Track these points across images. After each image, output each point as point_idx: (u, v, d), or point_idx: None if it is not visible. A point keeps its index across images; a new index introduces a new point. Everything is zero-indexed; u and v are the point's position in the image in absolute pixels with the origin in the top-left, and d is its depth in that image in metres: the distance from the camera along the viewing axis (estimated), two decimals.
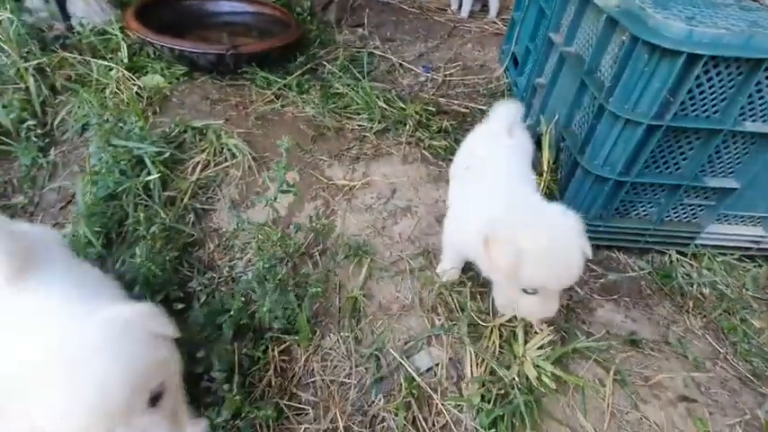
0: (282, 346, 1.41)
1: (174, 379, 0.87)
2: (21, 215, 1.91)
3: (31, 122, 2.05)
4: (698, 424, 1.30)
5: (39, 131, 2.06)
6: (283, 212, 1.88)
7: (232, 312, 1.37)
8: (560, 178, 1.89)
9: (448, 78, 2.81)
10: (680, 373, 1.43)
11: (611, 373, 1.39)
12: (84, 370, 0.72)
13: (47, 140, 2.07)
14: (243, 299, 1.42)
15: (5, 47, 2.23)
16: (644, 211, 1.79)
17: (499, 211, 1.23)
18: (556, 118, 1.92)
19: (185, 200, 1.85)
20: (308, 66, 2.63)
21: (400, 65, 2.89)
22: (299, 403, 1.32)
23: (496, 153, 1.54)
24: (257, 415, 1.22)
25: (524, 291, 1.21)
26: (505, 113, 1.63)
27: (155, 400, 0.78)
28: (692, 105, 1.47)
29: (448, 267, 1.60)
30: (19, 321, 0.82)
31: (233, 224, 1.80)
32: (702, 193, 1.71)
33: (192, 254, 1.72)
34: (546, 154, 1.88)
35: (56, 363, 0.72)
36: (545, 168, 1.86)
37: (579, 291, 1.66)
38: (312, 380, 1.38)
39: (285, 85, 2.45)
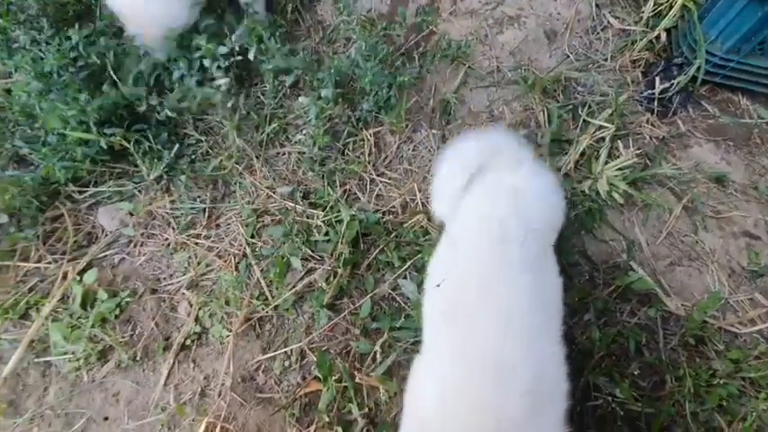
0: (378, 128, 1.60)
1: None
2: None
3: None
4: (752, 256, 1.39)
5: None
6: (386, 9, 1.85)
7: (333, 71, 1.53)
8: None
9: None
10: (755, 215, 1.46)
11: (684, 200, 1.45)
12: None
13: None
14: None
15: None
16: None
17: None
18: None
19: None
20: None
21: None
22: (388, 178, 1.56)
23: None
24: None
25: None
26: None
27: None
28: None
29: None
30: None
31: (336, 18, 1.83)
32: None
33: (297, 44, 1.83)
34: None
35: None
36: None
37: (681, 126, 1.60)
38: (400, 166, 1.60)
39: None
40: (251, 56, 1.55)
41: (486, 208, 0.95)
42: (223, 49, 1.51)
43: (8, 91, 1.62)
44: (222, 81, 1.51)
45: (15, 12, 1.69)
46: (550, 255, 0.96)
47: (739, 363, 1.20)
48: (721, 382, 1.16)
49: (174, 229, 1.46)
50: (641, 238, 1.44)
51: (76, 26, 1.57)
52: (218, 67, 1.51)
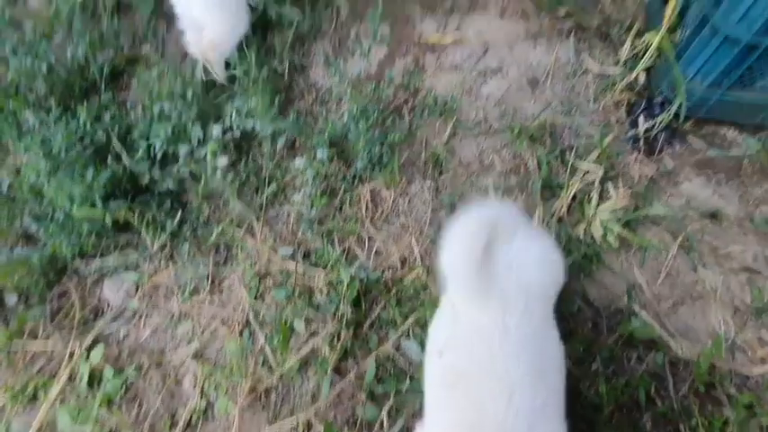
0: (373, 184, 1.64)
1: None
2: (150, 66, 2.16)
3: None
4: (755, 292, 1.39)
5: None
6: (374, 69, 1.94)
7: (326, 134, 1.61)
8: (682, 38, 1.67)
9: None
10: (753, 248, 1.46)
11: (680, 238, 1.46)
12: None
13: None
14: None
15: None
16: None
17: None
18: None
19: (284, 51, 1.96)
20: None
21: None
22: (386, 233, 1.59)
23: None
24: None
25: None
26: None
27: None
28: None
29: None
30: None
31: (328, 80, 1.92)
32: None
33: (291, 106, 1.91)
34: (671, 6, 1.63)
35: None
36: (665, 23, 1.64)
37: (669, 163, 1.63)
38: (396, 220, 1.62)
39: None
40: (249, 128, 1.63)
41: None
42: (217, 130, 1.58)
43: (17, 171, 1.70)
44: (222, 163, 1.58)
45: (25, 93, 1.79)
46: (551, 318, 0.97)
47: (752, 407, 1.17)
48: (735, 430, 1.13)
49: (177, 298, 1.48)
50: (641, 280, 1.44)
51: (84, 104, 1.66)
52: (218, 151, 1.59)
